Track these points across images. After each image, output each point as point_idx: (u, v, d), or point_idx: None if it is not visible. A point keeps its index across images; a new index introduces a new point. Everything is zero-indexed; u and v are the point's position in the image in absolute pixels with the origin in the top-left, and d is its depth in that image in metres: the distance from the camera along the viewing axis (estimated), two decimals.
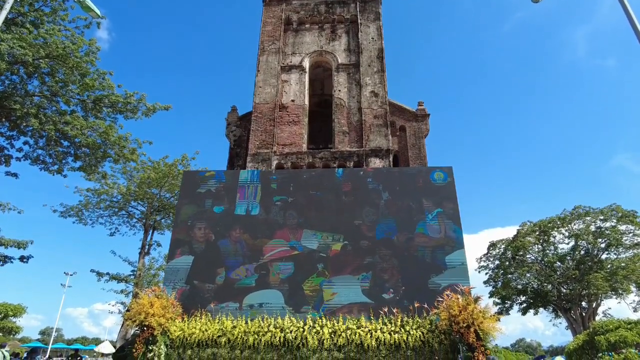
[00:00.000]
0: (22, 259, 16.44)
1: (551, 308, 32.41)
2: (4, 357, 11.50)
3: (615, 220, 29.25)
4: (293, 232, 11.92)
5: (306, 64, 17.65)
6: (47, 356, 35.72)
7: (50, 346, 41.29)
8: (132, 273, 23.26)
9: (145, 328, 10.02)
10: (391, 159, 15.11)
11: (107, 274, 22.81)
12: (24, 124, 15.03)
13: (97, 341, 66.44)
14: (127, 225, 25.17)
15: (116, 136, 16.04)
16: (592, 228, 29.75)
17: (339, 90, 16.83)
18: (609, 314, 28.63)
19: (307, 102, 16.92)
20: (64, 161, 16.41)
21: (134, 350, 9.79)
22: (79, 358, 24.08)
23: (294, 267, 11.48)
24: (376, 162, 14.88)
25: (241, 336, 9.86)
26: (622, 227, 29.20)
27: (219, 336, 9.98)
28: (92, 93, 15.68)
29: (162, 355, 9.84)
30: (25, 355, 21.60)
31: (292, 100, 16.76)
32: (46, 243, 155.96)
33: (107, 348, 10.84)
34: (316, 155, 15.40)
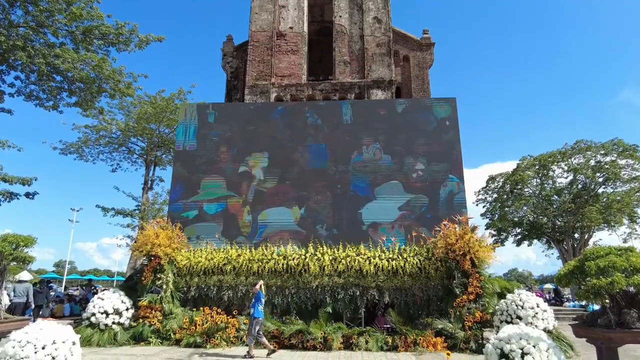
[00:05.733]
0: (27, 195, 16.60)
1: (545, 239, 33.40)
2: None
3: (615, 155, 29.09)
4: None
5: None
6: (63, 286, 37.76)
7: (65, 277, 43.53)
8: (136, 208, 23.74)
9: (152, 258, 10.43)
10: (394, 90, 14.68)
11: (113, 209, 23.28)
12: (12, 58, 14.43)
13: (109, 272, 69.84)
14: (128, 161, 25.18)
15: (110, 70, 15.45)
16: (592, 162, 29.70)
17: (340, 16, 15.91)
18: (599, 245, 29.46)
19: (306, 29, 16.06)
20: (58, 97, 15.95)
21: (143, 278, 10.27)
22: (92, 287, 25.41)
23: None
24: (378, 94, 14.49)
25: (246, 264, 10.29)
26: (622, 162, 29.07)
27: (224, 264, 10.41)
28: (80, 23, 14.82)
29: (170, 282, 10.33)
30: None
31: (291, 28, 15.91)
32: (49, 181, 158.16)
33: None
34: (316, 87, 14.96)
